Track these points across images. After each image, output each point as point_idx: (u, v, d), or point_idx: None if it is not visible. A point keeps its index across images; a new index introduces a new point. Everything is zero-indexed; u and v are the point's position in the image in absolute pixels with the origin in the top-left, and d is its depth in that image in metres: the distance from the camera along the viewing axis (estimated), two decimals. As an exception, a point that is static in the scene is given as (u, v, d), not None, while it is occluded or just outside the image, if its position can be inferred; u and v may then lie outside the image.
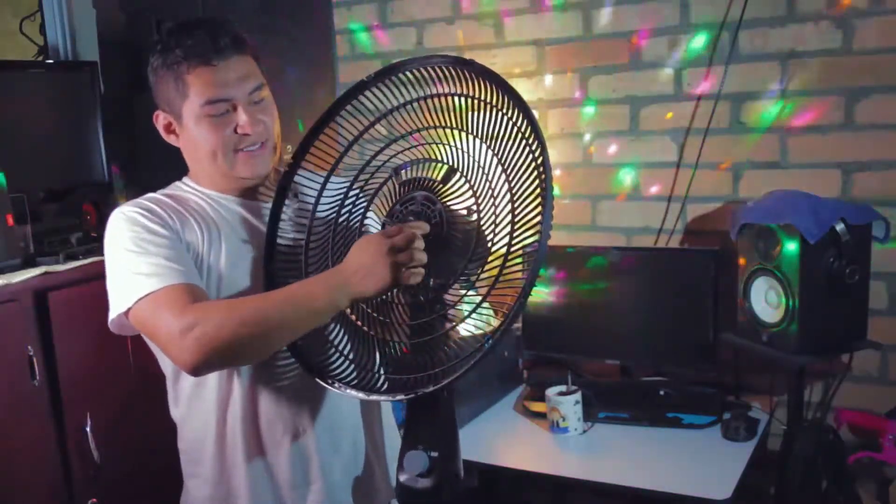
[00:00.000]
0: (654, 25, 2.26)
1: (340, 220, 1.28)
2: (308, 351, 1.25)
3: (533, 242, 1.07)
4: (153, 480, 1.74)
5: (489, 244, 1.14)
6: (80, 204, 2.15)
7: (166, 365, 1.35)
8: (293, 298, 1.18)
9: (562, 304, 2.29)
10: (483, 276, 1.13)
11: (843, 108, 2.07)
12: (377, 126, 1.27)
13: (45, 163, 2.15)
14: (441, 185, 1.18)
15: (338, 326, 1.26)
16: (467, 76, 1.17)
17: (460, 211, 1.16)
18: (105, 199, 2.21)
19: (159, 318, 1.17)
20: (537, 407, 2.19)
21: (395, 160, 1.24)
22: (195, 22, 1.28)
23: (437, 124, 1.20)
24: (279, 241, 1.30)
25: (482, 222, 1.14)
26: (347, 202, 1.28)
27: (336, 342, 1.25)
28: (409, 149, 1.23)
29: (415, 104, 1.23)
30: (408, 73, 1.23)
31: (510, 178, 1.11)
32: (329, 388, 1.22)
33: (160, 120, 1.33)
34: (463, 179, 1.17)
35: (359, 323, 1.24)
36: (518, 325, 2.38)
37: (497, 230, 1.12)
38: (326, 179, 1.31)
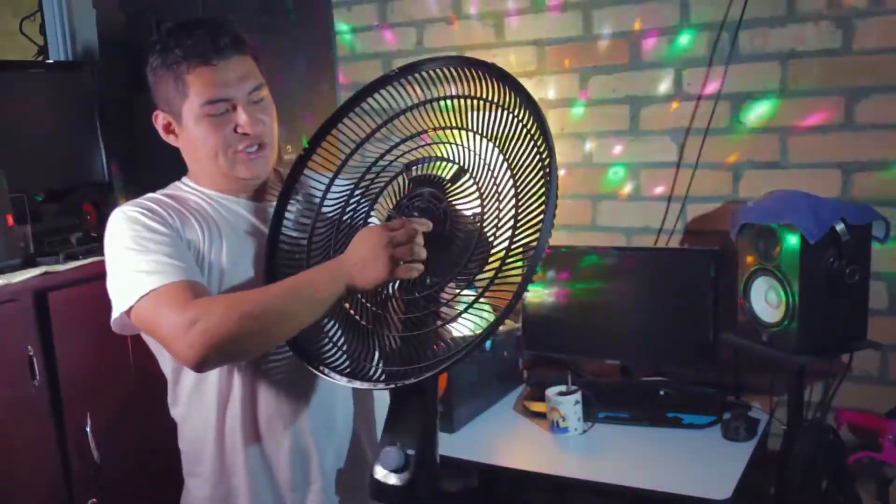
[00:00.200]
0: (654, 25, 2.26)
1: (344, 219, 1.28)
2: (304, 340, 1.25)
3: (532, 241, 1.08)
4: (153, 480, 1.74)
5: (490, 246, 1.14)
6: (80, 204, 2.15)
7: (166, 365, 1.35)
8: (295, 288, 1.18)
9: (562, 304, 2.29)
10: (481, 275, 1.13)
11: (843, 108, 2.07)
12: (388, 127, 1.27)
13: (45, 163, 2.15)
14: (449, 184, 1.18)
15: (337, 320, 1.26)
16: (475, 76, 1.17)
17: (465, 212, 1.16)
18: (105, 199, 2.21)
19: (162, 315, 1.17)
20: (537, 407, 2.19)
21: (401, 160, 1.24)
22: (195, 22, 1.28)
23: (448, 125, 1.20)
24: (282, 239, 1.30)
25: (485, 221, 1.14)
26: (352, 202, 1.28)
27: (330, 331, 1.25)
28: (416, 148, 1.23)
29: (427, 105, 1.23)
30: (427, 73, 1.22)
31: (516, 179, 1.12)
32: (316, 372, 1.21)
33: (159, 120, 1.33)
34: (472, 181, 1.17)
35: (351, 312, 1.24)
36: (518, 325, 2.39)
37: (499, 230, 1.12)
38: (332, 179, 1.31)
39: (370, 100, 1.29)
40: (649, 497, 1.81)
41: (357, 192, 1.28)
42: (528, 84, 2.43)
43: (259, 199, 1.37)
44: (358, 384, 1.18)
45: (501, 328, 1.13)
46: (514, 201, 1.11)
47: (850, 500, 2.01)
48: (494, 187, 1.14)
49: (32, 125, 2.14)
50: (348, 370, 1.21)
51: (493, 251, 1.13)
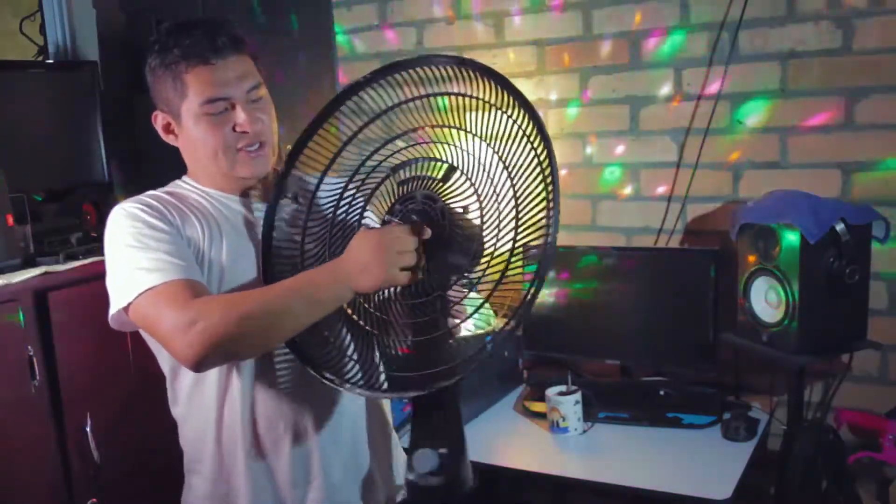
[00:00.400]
0: (654, 25, 2.26)
1: (338, 215, 1.28)
2: (308, 348, 1.25)
3: (537, 241, 1.08)
4: (153, 480, 1.74)
5: (491, 243, 1.14)
6: (80, 204, 2.15)
7: (165, 363, 1.35)
8: (295, 290, 1.17)
9: (562, 304, 2.29)
10: (486, 277, 1.13)
11: (843, 108, 2.07)
12: (379, 126, 1.27)
13: (45, 163, 2.15)
14: (441, 184, 1.18)
15: (337, 323, 1.26)
16: (467, 75, 1.17)
17: (460, 208, 1.16)
18: (105, 199, 2.21)
19: (161, 314, 1.16)
20: (537, 407, 2.19)
21: (393, 159, 1.23)
22: (193, 22, 1.28)
23: (437, 123, 1.20)
24: (275, 240, 1.30)
25: (484, 223, 1.14)
26: (345, 199, 1.28)
27: (335, 339, 1.25)
28: (409, 147, 1.23)
29: (415, 104, 1.22)
30: (406, 73, 1.22)
31: (514, 179, 1.12)
32: (340, 389, 1.22)
33: (159, 120, 1.33)
34: (464, 178, 1.17)
35: (355, 317, 1.24)
36: (518, 328, 2.38)
37: (500, 232, 1.12)
38: (321, 178, 1.31)
39: (354, 100, 1.28)
40: (649, 497, 1.81)
41: (350, 187, 1.28)
42: (528, 84, 2.46)
43: (259, 198, 1.37)
44: (388, 396, 1.18)
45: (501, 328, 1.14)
46: (512, 197, 1.11)
47: (850, 500, 2.00)
48: (489, 183, 1.14)
49: (32, 125, 2.14)
50: (364, 381, 1.22)
51: (496, 252, 1.14)
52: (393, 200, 1.22)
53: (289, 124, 1.35)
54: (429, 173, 1.20)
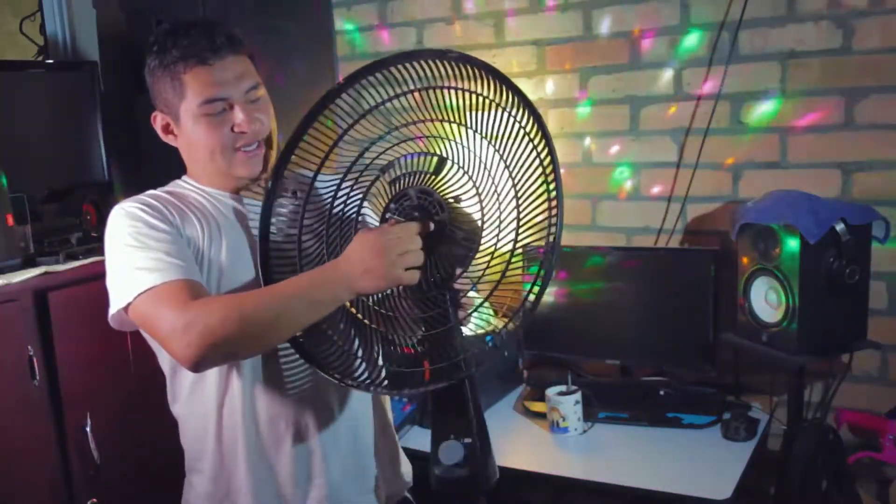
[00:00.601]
0: (654, 25, 2.26)
1: (335, 211, 1.28)
2: (312, 347, 1.25)
3: (539, 239, 1.08)
4: (153, 480, 1.74)
5: (492, 241, 1.14)
6: (80, 204, 2.15)
7: (165, 361, 1.35)
8: (295, 290, 1.17)
9: (562, 304, 2.29)
10: (486, 276, 1.14)
11: (843, 108, 2.07)
12: (378, 124, 1.27)
13: (45, 163, 2.15)
14: (434, 177, 1.18)
15: (341, 322, 1.26)
16: (456, 69, 1.17)
17: (457, 197, 1.16)
18: (105, 198, 2.21)
19: (160, 314, 1.17)
20: (537, 407, 2.19)
21: (388, 154, 1.23)
22: (190, 22, 1.28)
23: (430, 118, 1.20)
24: (272, 237, 1.30)
25: (485, 221, 1.14)
26: (341, 194, 1.28)
27: (341, 340, 1.25)
28: (403, 142, 1.22)
29: (407, 100, 1.22)
30: (396, 70, 1.22)
31: (514, 178, 1.12)
32: (351, 387, 1.22)
33: (158, 121, 1.34)
34: (456, 167, 1.17)
35: (359, 316, 1.24)
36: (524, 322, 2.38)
37: (501, 230, 1.12)
38: (315, 175, 1.31)
39: (345, 99, 1.27)
40: (649, 497, 1.81)
41: (346, 183, 1.28)
42: (528, 84, 2.46)
43: (259, 198, 1.37)
44: (409, 391, 1.18)
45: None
46: (513, 196, 1.12)
47: (850, 500, 2.00)
48: (491, 182, 1.14)
49: (32, 125, 2.14)
50: (372, 378, 1.22)
51: (496, 252, 1.14)
52: (387, 199, 1.22)
53: (288, 124, 1.35)
54: (420, 168, 1.20)
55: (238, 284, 1.29)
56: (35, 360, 1.76)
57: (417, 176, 1.20)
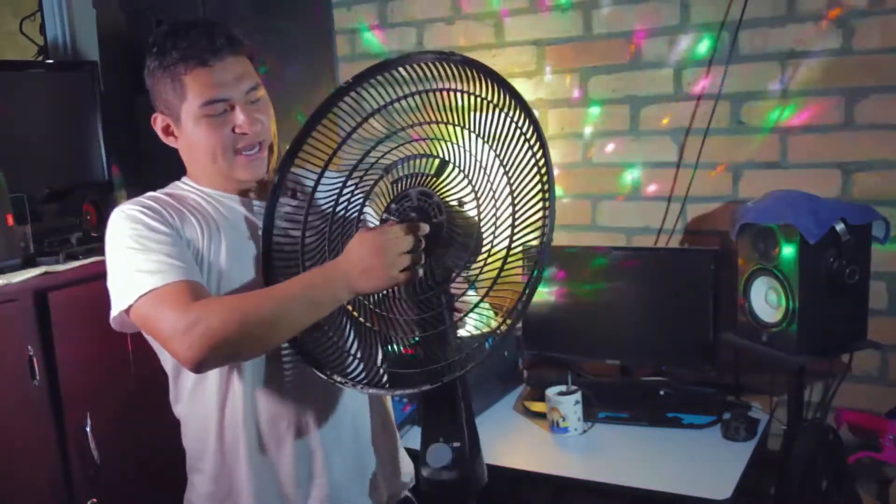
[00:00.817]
0: (654, 25, 2.26)
1: (338, 212, 1.28)
2: (311, 347, 1.25)
3: (534, 240, 1.08)
4: (153, 480, 1.74)
5: (489, 240, 1.14)
6: (80, 204, 2.15)
7: (167, 362, 1.35)
8: (295, 291, 1.18)
9: (562, 304, 2.29)
10: (483, 275, 1.14)
11: (843, 108, 2.07)
12: (379, 124, 1.27)
13: (45, 163, 2.15)
14: (434, 179, 1.19)
15: (340, 323, 1.26)
16: (456, 71, 1.17)
17: (455, 202, 1.17)
18: (105, 199, 2.21)
19: (161, 316, 1.17)
20: (537, 407, 2.19)
21: (390, 155, 1.24)
22: (190, 23, 1.28)
23: (432, 120, 1.20)
24: (275, 237, 1.30)
25: (482, 221, 1.14)
26: (344, 195, 1.28)
27: (339, 339, 1.25)
28: (405, 144, 1.23)
29: (409, 101, 1.22)
30: (398, 71, 1.22)
31: (510, 177, 1.12)
32: (349, 388, 1.22)
33: (158, 122, 1.34)
34: (457, 170, 1.17)
35: (357, 315, 1.24)
36: (518, 324, 2.38)
37: (497, 230, 1.12)
38: (321, 175, 1.31)
39: (353, 98, 1.28)
40: (649, 497, 1.81)
41: (350, 183, 1.28)
42: (528, 84, 2.45)
43: (259, 198, 1.37)
44: (399, 392, 1.18)
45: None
46: (509, 195, 1.12)
47: (850, 500, 2.01)
48: (487, 182, 1.14)
49: (33, 125, 2.14)
50: (368, 379, 1.22)
51: (493, 250, 1.14)
52: (389, 199, 1.22)
53: (288, 125, 1.35)
54: (422, 169, 1.20)
55: (238, 285, 1.29)
56: (35, 360, 1.76)
57: (419, 177, 1.20)
